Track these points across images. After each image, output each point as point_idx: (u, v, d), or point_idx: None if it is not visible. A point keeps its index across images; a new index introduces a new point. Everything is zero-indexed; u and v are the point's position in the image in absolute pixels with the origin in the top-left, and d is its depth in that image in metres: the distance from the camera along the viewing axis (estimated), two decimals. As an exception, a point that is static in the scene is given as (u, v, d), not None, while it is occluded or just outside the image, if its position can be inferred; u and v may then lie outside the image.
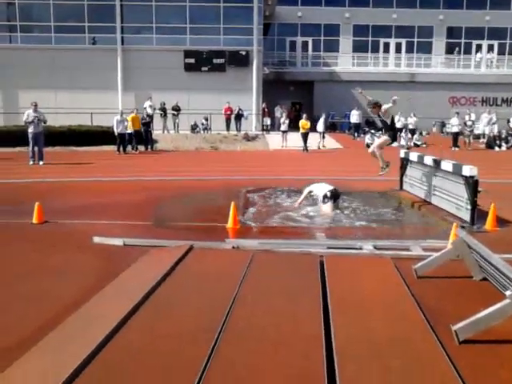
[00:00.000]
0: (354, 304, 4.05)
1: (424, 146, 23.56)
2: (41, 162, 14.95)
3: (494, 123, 25.84)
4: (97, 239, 6.14)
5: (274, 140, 23.42)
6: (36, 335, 3.46)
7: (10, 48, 26.51)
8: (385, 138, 8.87)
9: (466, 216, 7.31)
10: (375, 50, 33.22)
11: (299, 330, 3.52)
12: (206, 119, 25.32)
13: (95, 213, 7.96)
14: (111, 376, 2.88)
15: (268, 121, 26.74)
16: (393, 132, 8.79)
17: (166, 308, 3.93)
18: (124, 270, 4.89)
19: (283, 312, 3.86)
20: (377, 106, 8.82)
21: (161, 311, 3.86)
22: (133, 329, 3.50)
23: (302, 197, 8.60)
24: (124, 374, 2.91)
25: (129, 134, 19.45)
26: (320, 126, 22.85)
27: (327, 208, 8.20)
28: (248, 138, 23.62)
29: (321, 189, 8.41)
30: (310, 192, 8.58)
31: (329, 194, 8.21)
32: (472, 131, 23.91)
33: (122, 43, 26.94)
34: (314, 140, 21.84)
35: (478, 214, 7.18)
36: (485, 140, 24.58)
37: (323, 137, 23.00)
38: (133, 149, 19.74)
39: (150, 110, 22.25)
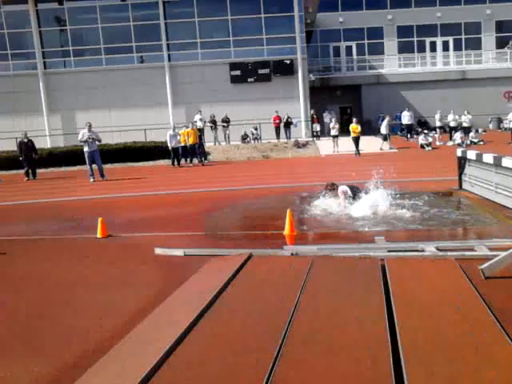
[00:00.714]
0: (420, 307, 3.96)
1: (481, 143, 22.79)
2: (103, 178, 15.55)
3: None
4: (158, 250, 6.30)
5: (325, 146, 23.31)
6: (107, 343, 3.61)
7: (65, 72, 27.84)
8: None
9: (532, 213, 7.01)
10: (421, 49, 32.55)
11: (365, 334, 3.48)
12: (256, 129, 25.53)
13: (155, 225, 8.19)
14: (182, 380, 2.95)
15: (318, 127, 26.68)
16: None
17: (229, 315, 3.99)
18: (186, 279, 5.00)
19: (347, 316, 3.83)
20: (332, 188, 8.76)
21: (224, 319, 3.92)
22: (198, 336, 3.57)
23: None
24: (192, 380, 2.97)
25: (182, 147, 19.89)
26: (383, 128, 23.05)
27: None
28: (298, 145, 23.62)
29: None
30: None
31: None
32: (531, 125, 22.96)
33: (169, 60, 27.69)
34: (372, 143, 21.58)
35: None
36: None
37: (385, 139, 23.03)
38: (189, 162, 20.14)
39: (200, 124, 22.69)
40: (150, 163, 20.62)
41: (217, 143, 24.90)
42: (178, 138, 19.77)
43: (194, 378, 2.99)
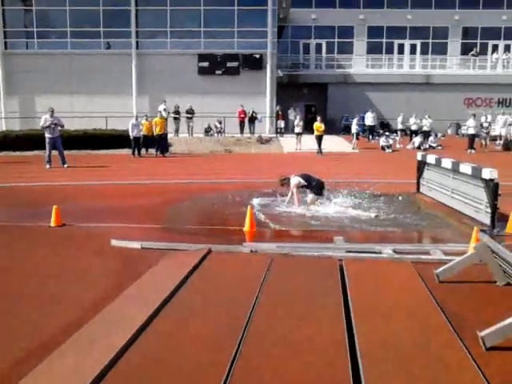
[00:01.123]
0: (377, 309, 4.00)
1: (439, 148, 23.36)
2: (65, 165, 15.15)
3: (510, 124, 25.59)
4: (115, 242, 6.16)
5: (289, 143, 23.39)
6: (59, 338, 3.48)
7: (26, 54, 26.91)
8: (311, 196, 8.79)
9: (486, 219, 7.20)
10: (390, 51, 33.03)
11: (322, 334, 3.48)
12: (220, 122, 25.37)
13: (112, 216, 8.00)
14: (133, 381, 2.87)
15: (282, 123, 26.72)
16: (316, 189, 8.74)
17: (187, 312, 3.92)
18: (143, 273, 4.89)
19: (305, 316, 3.82)
20: (285, 182, 8.80)
21: (182, 315, 3.85)
22: (155, 333, 3.49)
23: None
24: (146, 380, 2.89)
25: (144, 137, 19.55)
26: (354, 127, 23.78)
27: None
28: (262, 141, 23.61)
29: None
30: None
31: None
32: (488, 133, 23.67)
33: (137, 48, 27.15)
34: (335, 143, 21.80)
35: (497, 218, 7.07)
36: (501, 142, 24.29)
37: (357, 138, 23.59)
38: (158, 152, 19.72)
39: (164, 114, 22.32)
40: (110, 152, 20.14)
41: (176, 135, 24.51)
42: (141, 127, 19.44)
43: (148, 377, 2.91)
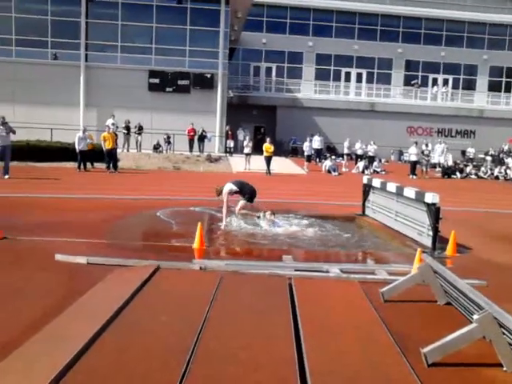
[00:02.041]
0: (325, 327, 4.06)
1: (383, 173, 24.19)
2: (6, 176, 14.64)
3: (446, 153, 26.99)
4: (59, 257, 5.94)
5: (237, 162, 23.52)
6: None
7: (-34, 60, 25.83)
8: (242, 202, 8.98)
9: (428, 242, 7.50)
10: (337, 78, 34.13)
11: (272, 352, 3.49)
12: (169, 137, 25.15)
13: (56, 230, 7.72)
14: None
15: (231, 143, 26.89)
16: (248, 196, 8.90)
17: (134, 329, 3.83)
18: (88, 289, 4.74)
19: (255, 334, 3.83)
20: (219, 192, 8.99)
21: (129, 333, 3.75)
22: (100, 350, 3.39)
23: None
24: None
25: (90, 151, 19.08)
26: (306, 149, 24.70)
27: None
28: (211, 160, 23.63)
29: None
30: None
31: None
32: (429, 160, 24.76)
33: (86, 60, 26.64)
34: (283, 164, 22.11)
35: (438, 240, 7.38)
36: (440, 169, 25.48)
37: (308, 160, 24.55)
38: (95, 166, 19.18)
39: (112, 128, 21.91)
40: (54, 164, 19.51)
41: (126, 150, 24.12)
42: (88, 140, 18.99)
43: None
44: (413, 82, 34.29)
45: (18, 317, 4.16)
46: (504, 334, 3.44)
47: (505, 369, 3.50)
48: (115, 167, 18.89)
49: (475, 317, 3.55)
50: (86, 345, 3.41)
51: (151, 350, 3.43)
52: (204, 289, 4.84)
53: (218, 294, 4.68)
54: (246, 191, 8.80)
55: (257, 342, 3.67)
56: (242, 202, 8.86)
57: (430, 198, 7.33)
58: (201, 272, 5.62)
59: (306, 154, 24.68)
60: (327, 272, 5.84)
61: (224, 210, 8.63)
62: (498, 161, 27.80)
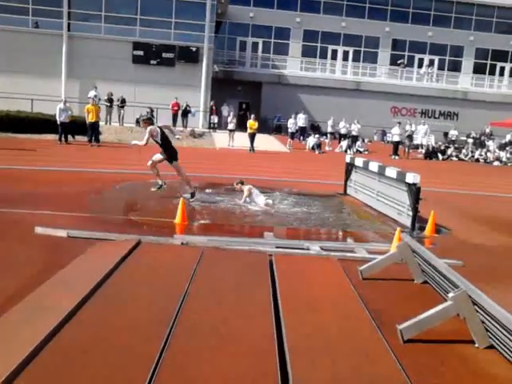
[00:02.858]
0: (304, 302, 4.12)
1: (366, 152, 24.30)
2: None
3: (429, 134, 27.19)
4: (39, 230, 5.90)
5: (221, 139, 23.39)
6: (-24, 327, 3.29)
7: None
8: (159, 156, 8.99)
9: (407, 222, 7.60)
10: (323, 56, 33.87)
11: (251, 325, 3.55)
12: (152, 110, 24.79)
13: (36, 202, 7.63)
14: (57, 373, 2.78)
15: (215, 119, 26.68)
16: (169, 151, 8.91)
17: (115, 302, 3.85)
18: (68, 262, 4.73)
19: (235, 308, 3.88)
20: (148, 122, 8.93)
21: (110, 305, 3.77)
22: (81, 322, 3.40)
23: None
24: (71, 371, 2.81)
25: (71, 123, 18.74)
26: (290, 126, 24.64)
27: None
28: (194, 135, 23.45)
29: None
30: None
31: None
32: (411, 141, 24.91)
33: (69, 30, 26.00)
34: (267, 141, 22.06)
35: (417, 221, 7.49)
36: (423, 150, 25.68)
37: (292, 138, 24.44)
38: (91, 141, 18.52)
39: (94, 100, 21.56)
40: (35, 136, 19.14)
41: (107, 123, 23.74)
42: (69, 112, 18.64)
43: (72, 368, 2.83)
44: (399, 62, 34.23)
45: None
46: (477, 311, 3.54)
47: (477, 345, 3.61)
48: (97, 140, 18.61)
49: (450, 295, 3.64)
50: (66, 316, 3.42)
51: (131, 323, 3.46)
52: (185, 263, 4.86)
53: (199, 268, 4.71)
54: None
55: (237, 316, 3.72)
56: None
57: (411, 178, 7.41)
58: (182, 247, 5.64)
59: (289, 131, 24.65)
60: (308, 249, 5.91)
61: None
62: (480, 143, 28.10)
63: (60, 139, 18.29)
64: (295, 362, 3.03)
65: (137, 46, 26.42)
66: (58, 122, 18.27)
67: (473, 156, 25.93)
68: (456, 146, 27.67)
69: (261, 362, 3.03)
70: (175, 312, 3.62)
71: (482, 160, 25.44)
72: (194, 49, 26.77)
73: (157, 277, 4.51)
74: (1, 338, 3.11)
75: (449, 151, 25.93)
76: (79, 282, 4.14)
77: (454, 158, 25.42)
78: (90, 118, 18.37)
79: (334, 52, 34.04)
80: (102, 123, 21.92)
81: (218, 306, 3.90)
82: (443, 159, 24.76)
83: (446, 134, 30.58)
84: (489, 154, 25.86)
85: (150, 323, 3.45)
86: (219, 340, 3.29)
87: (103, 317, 3.52)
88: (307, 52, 33.63)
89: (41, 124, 19.92)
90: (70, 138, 18.86)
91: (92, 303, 3.72)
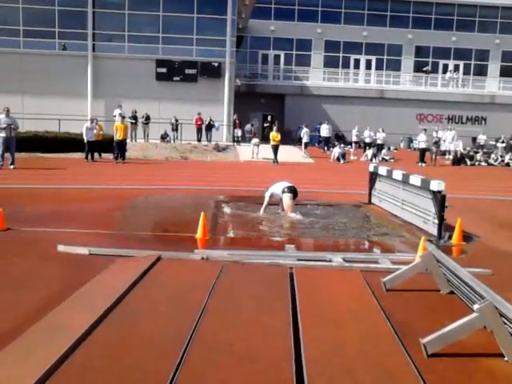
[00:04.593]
0: (324, 317, 4.02)
1: (392, 160, 23.99)
2: (11, 166, 14.82)
3: (457, 140, 26.68)
4: (61, 248, 5.95)
5: (245, 151, 23.44)
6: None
7: (-24, 51, 25.90)
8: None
9: (434, 230, 7.41)
10: (346, 65, 33.78)
11: (269, 342, 3.46)
12: (177, 120, 25.00)
13: (61, 221, 7.73)
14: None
15: (239, 132, 26.79)
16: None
17: (132, 319, 3.82)
18: (89, 280, 4.74)
19: (253, 324, 3.80)
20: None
21: (127, 323, 3.74)
22: (98, 340, 3.38)
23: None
24: (86, 389, 2.79)
25: (97, 141, 19.09)
26: (303, 136, 24.97)
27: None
28: (218, 149, 23.57)
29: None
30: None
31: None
32: (439, 147, 24.51)
33: (94, 50, 26.63)
34: (291, 153, 22.06)
35: (444, 229, 7.29)
36: (451, 156, 25.21)
37: (305, 147, 24.80)
38: (114, 158, 18.88)
39: (118, 118, 21.92)
40: (62, 155, 19.57)
41: (134, 140, 24.11)
42: (95, 131, 19.00)
43: (85, 386, 2.81)
44: (424, 69, 33.83)
45: (18, 307, 4.17)
46: (505, 323, 3.37)
47: (506, 359, 3.44)
48: (123, 157, 18.87)
49: (476, 306, 3.49)
50: (82, 335, 3.40)
51: (147, 341, 3.42)
52: (204, 279, 4.81)
53: (218, 283, 4.65)
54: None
55: (254, 332, 3.64)
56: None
57: (436, 185, 7.23)
58: (202, 262, 5.60)
59: (303, 141, 24.71)
60: (330, 261, 5.79)
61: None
62: (509, 147, 27.43)
63: (87, 157, 18.63)
64: (313, 380, 2.94)
65: (160, 63, 26.86)
66: (85, 141, 18.61)
67: (503, 160, 25.31)
68: (485, 150, 27.09)
69: (277, 380, 2.94)
70: (192, 329, 3.57)
71: (512, 164, 24.82)
72: (216, 64, 27.05)
73: (175, 293, 4.47)
74: (16, 358, 3.10)
75: (477, 156, 25.38)
76: (97, 301, 4.13)
77: (483, 163, 24.87)
78: (118, 136, 18.68)
79: (357, 61, 33.92)
80: (128, 140, 22.26)
81: (235, 322, 3.83)
82: (471, 164, 24.24)
83: (474, 139, 29.98)
84: (519, 158, 25.22)
85: (165, 341, 3.40)
86: (235, 357, 3.22)
87: (118, 336, 3.50)
88: (329, 62, 33.60)
89: (68, 143, 20.38)
90: (96, 155, 19.20)
91: (108, 322, 3.70)
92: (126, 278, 4.73)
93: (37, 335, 3.47)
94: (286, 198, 8.54)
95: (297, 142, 28.96)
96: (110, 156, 19.39)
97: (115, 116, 21.79)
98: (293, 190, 8.61)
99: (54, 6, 26.09)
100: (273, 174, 17.02)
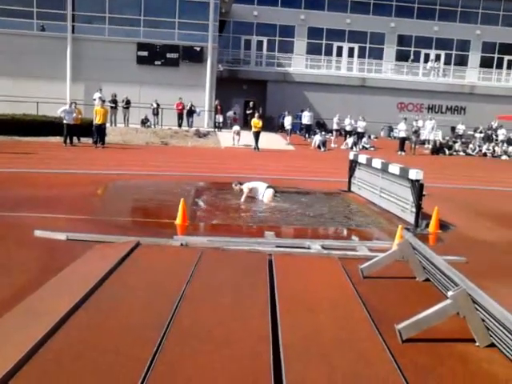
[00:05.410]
0: (302, 303, 4.06)
1: (372, 149, 24.15)
2: None
3: (436, 129, 26.97)
4: (38, 233, 5.89)
5: (226, 137, 23.35)
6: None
7: None
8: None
9: (411, 218, 7.52)
10: (328, 53, 33.71)
11: (247, 328, 3.49)
12: (158, 104, 24.67)
13: (38, 206, 7.63)
14: (50, 376, 2.75)
15: (220, 118, 26.64)
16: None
17: (110, 305, 3.82)
18: (67, 265, 4.71)
19: (231, 310, 3.82)
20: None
21: (105, 308, 3.74)
22: (75, 326, 3.37)
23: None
24: (63, 374, 2.78)
25: (76, 125, 18.77)
26: (287, 123, 24.86)
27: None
28: (199, 135, 23.43)
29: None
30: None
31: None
32: (418, 137, 24.73)
33: (73, 32, 26.08)
34: (273, 140, 21.99)
35: (421, 217, 7.40)
36: (430, 146, 25.48)
37: (289, 134, 24.71)
38: (93, 143, 18.59)
39: (98, 102, 21.60)
40: (40, 139, 19.22)
41: (113, 125, 23.78)
42: (74, 115, 18.68)
43: (64, 372, 2.80)
44: (410, 60, 33.98)
45: (-6, 292, 4.13)
46: (477, 309, 3.46)
47: (477, 344, 3.54)
48: (103, 142, 18.63)
49: (450, 293, 3.57)
50: (60, 320, 3.39)
51: (125, 326, 3.42)
52: (183, 265, 4.82)
53: (197, 270, 4.67)
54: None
55: (232, 318, 3.67)
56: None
57: (414, 174, 7.32)
58: (181, 248, 5.60)
59: (286, 128, 24.79)
60: (308, 248, 5.84)
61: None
62: (487, 138, 27.83)
63: (65, 141, 18.31)
64: (290, 365, 2.98)
65: (141, 46, 26.44)
66: (64, 124, 18.27)
67: (480, 150, 25.70)
68: (463, 140, 27.44)
69: (254, 365, 2.97)
70: (170, 315, 3.58)
71: (489, 154, 25.20)
72: (198, 48, 26.74)
73: (154, 279, 4.47)
74: (-9, 343, 3.08)
75: (456, 146, 25.71)
76: (75, 286, 4.11)
77: (462, 153, 25.22)
78: (97, 120, 18.38)
79: (340, 49, 33.87)
80: (107, 125, 21.97)
81: (213, 308, 3.85)
82: (450, 154, 24.56)
83: (453, 129, 30.33)
84: (496, 149, 25.61)
85: (143, 327, 3.41)
86: (213, 343, 3.24)
87: (96, 321, 3.49)
88: (312, 49, 33.48)
89: (46, 126, 19.99)
90: (75, 140, 18.91)
91: (86, 307, 3.69)
92: (104, 263, 4.71)
93: (13, 321, 3.45)
94: (270, 193, 8.95)
95: (278, 129, 28.95)
96: (89, 140, 19.11)
97: (95, 100, 21.43)
98: (274, 189, 9.17)
99: (32, -15, 25.43)
100: (254, 161, 17.01)
